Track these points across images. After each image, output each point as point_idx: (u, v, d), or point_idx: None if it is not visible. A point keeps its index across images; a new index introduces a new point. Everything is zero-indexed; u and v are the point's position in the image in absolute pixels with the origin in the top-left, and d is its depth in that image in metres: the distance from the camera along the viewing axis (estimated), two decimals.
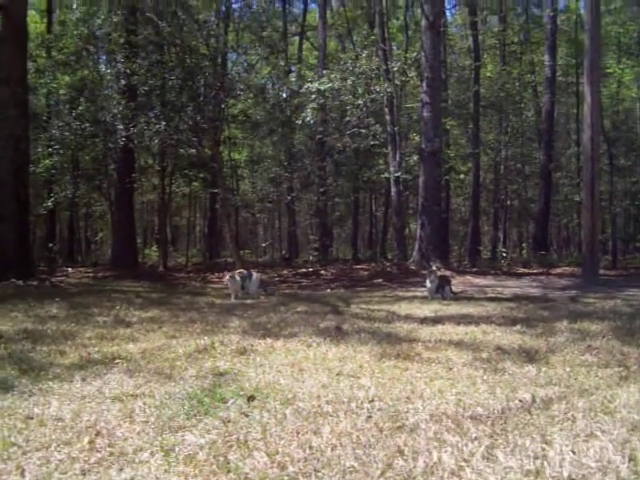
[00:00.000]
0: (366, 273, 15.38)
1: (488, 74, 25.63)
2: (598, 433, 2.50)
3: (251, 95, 17.33)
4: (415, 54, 17.84)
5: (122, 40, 16.17)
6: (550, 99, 23.34)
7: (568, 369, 3.75)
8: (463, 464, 2.18)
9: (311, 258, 22.04)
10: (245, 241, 33.15)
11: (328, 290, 11.34)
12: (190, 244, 30.70)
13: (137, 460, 2.26)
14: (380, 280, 13.54)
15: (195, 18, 15.87)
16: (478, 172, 24.71)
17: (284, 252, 26.57)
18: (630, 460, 2.20)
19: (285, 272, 16.04)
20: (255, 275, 9.15)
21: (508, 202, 28.32)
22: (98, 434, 2.54)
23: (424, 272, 10.19)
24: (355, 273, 15.59)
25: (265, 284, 9.45)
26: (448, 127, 22.12)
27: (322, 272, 15.72)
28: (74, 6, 19.25)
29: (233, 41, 22.45)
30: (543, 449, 2.33)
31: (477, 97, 23.68)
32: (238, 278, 8.88)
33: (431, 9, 15.99)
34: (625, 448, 2.32)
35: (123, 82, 16.09)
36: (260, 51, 20.66)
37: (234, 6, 23.54)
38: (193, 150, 17.58)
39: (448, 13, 28.29)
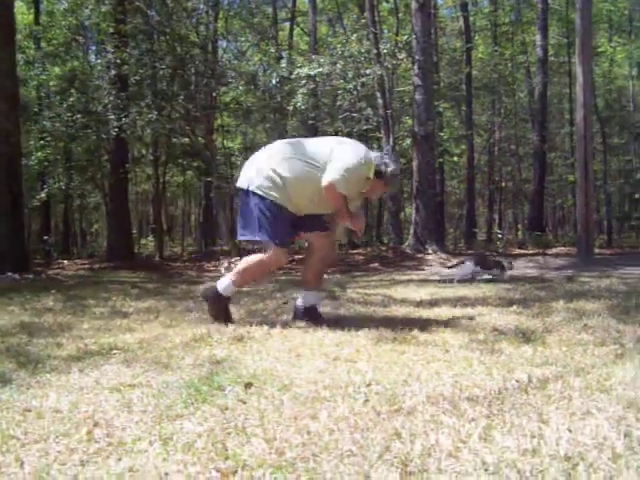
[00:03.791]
0: (362, 258, 15.41)
1: (480, 55, 25.65)
2: (594, 411, 2.51)
3: (242, 82, 17.28)
4: (406, 37, 17.80)
5: (111, 30, 16.10)
6: (543, 79, 23.31)
7: (564, 348, 3.77)
8: (460, 445, 2.19)
9: (306, 244, 22.06)
10: None
11: (324, 275, 11.34)
12: (186, 233, 30.76)
13: (135, 449, 2.26)
14: (376, 264, 13.58)
15: (184, 6, 15.82)
16: (472, 154, 24.75)
17: None
18: (625, 436, 2.22)
19: None
20: None
21: (503, 183, 28.37)
22: (96, 425, 2.54)
23: (419, 256, 10.16)
24: (351, 258, 15.61)
25: None
26: (441, 110, 22.12)
27: None
28: None
29: (223, 28, 22.41)
30: (540, 428, 2.34)
31: (469, 79, 23.70)
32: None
33: None
34: (621, 425, 2.33)
35: (113, 72, 16.01)
36: (250, 38, 20.64)
37: None
38: (186, 139, 17.56)
39: None
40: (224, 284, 4.97)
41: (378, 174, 4.83)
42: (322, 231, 5.07)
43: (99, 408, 2.77)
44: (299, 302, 5.20)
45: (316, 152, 4.76)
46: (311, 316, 5.05)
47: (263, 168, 4.76)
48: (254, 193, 4.72)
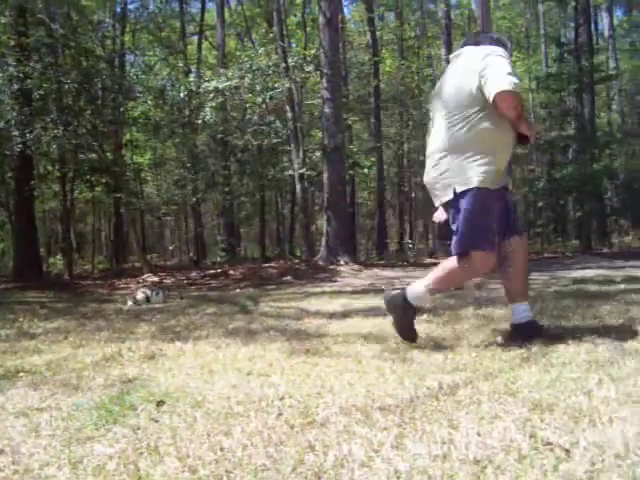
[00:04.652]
0: (275, 271, 15.37)
1: (387, 69, 26.10)
2: (502, 414, 2.58)
3: (150, 97, 17.06)
4: (314, 51, 17.96)
5: (12, 42, 15.66)
6: None
7: (474, 354, 3.84)
8: (373, 454, 2.22)
9: (219, 259, 21.92)
10: (152, 245, 32.70)
11: (237, 290, 11.30)
12: (96, 251, 30.07)
13: (43, 475, 2.20)
14: (289, 277, 13.59)
15: (89, 19, 15.56)
16: (382, 166, 25.09)
17: (192, 254, 26.35)
18: (531, 437, 2.28)
19: (194, 274, 15.89)
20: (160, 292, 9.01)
21: (413, 194, 28.88)
22: (1, 452, 2.45)
23: (332, 267, 10.22)
24: (264, 272, 15.56)
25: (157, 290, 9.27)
26: (350, 122, 22.38)
27: (231, 272, 15.64)
28: None
29: (130, 42, 22.12)
30: (450, 434, 2.38)
31: (377, 92, 24.07)
32: (145, 293, 8.78)
33: (328, 6, 16.12)
34: (526, 427, 2.40)
35: (16, 86, 15.51)
36: (158, 52, 20.43)
37: (130, 7, 23.20)
38: (94, 155, 17.20)
39: (346, 9, 28.66)
40: (416, 292, 4.20)
41: None
42: (520, 235, 4.37)
43: (4, 435, 2.68)
44: (516, 321, 4.28)
45: (464, 92, 3.93)
46: (532, 332, 4.14)
47: (456, 164, 3.99)
48: (463, 192, 4.00)
